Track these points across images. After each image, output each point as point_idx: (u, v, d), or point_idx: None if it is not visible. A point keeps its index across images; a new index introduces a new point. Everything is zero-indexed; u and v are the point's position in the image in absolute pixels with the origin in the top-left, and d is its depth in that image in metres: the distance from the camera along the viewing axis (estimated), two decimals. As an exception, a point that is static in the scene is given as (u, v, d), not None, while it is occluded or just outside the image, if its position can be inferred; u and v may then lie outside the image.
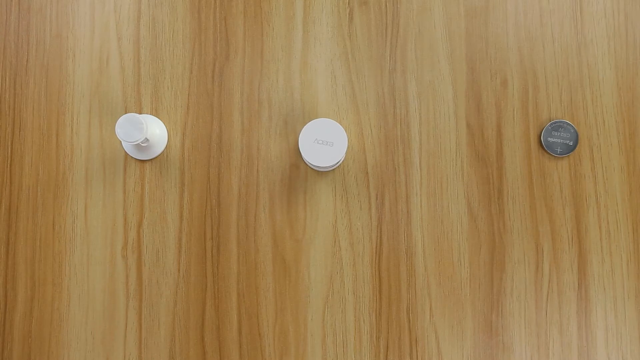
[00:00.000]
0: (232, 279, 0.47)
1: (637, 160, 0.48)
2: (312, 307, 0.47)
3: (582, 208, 0.48)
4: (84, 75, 0.49)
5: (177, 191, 0.47)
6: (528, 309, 0.47)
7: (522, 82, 0.49)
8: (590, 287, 0.47)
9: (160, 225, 0.47)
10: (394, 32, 0.49)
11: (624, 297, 0.47)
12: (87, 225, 0.47)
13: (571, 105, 0.49)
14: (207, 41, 0.49)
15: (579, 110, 0.49)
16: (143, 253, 0.47)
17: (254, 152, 0.47)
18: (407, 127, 0.48)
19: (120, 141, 0.48)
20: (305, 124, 0.48)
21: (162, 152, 0.48)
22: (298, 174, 0.46)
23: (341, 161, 0.47)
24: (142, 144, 0.46)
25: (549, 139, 0.48)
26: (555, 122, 0.48)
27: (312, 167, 0.44)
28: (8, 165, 0.48)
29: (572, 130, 0.48)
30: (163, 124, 0.48)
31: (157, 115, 0.48)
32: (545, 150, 0.48)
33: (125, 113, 0.46)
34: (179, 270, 0.47)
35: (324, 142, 0.43)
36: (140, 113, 0.48)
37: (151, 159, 0.48)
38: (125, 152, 0.48)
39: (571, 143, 0.48)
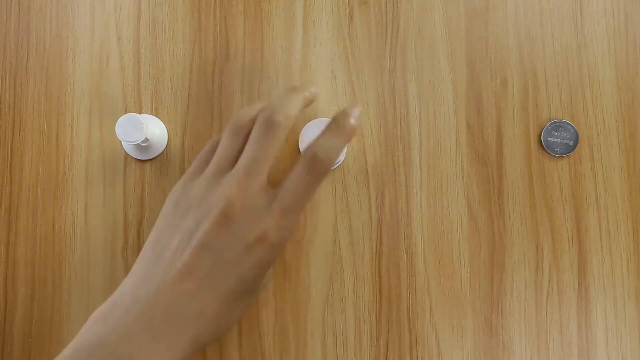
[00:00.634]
0: (232, 279, 0.47)
1: (637, 160, 0.48)
2: (312, 307, 0.47)
3: (582, 208, 0.48)
4: (84, 75, 0.49)
5: (177, 191, 0.47)
6: (528, 309, 0.47)
7: (522, 82, 0.49)
8: (590, 287, 0.47)
9: (160, 225, 0.47)
10: (394, 32, 0.49)
11: (624, 297, 0.47)
12: (87, 225, 0.47)
13: (571, 105, 0.49)
14: (207, 41, 0.49)
15: (579, 110, 0.49)
16: (143, 253, 0.47)
17: (254, 152, 0.47)
18: (407, 127, 0.48)
19: (120, 141, 0.48)
20: (305, 123, 0.48)
21: (162, 152, 0.48)
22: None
23: (341, 161, 0.47)
24: (142, 144, 0.46)
25: (549, 138, 0.48)
26: (555, 122, 0.48)
27: None
28: (8, 165, 0.48)
29: (572, 130, 0.48)
30: (163, 124, 0.48)
31: (157, 115, 0.48)
32: (545, 150, 0.48)
33: (125, 113, 0.46)
34: (179, 270, 0.47)
35: None
36: (140, 113, 0.48)
37: (151, 159, 0.48)
38: (125, 152, 0.48)
39: (571, 143, 0.48)
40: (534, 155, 0.48)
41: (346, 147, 0.42)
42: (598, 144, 0.48)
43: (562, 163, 0.48)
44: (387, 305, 0.47)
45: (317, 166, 0.37)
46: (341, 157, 0.44)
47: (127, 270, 0.47)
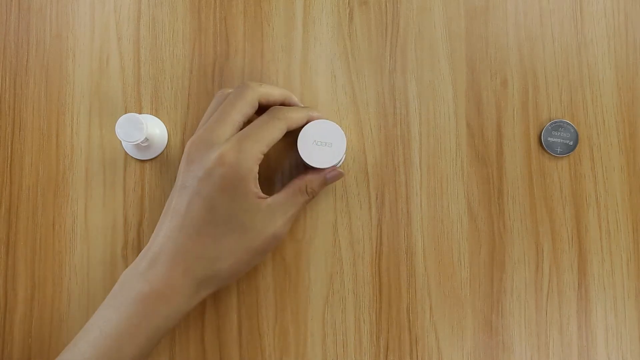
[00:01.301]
0: (232, 279, 0.47)
1: (637, 160, 0.48)
2: (312, 307, 0.47)
3: (582, 208, 0.48)
4: (84, 75, 0.49)
5: (177, 191, 0.47)
6: (528, 309, 0.47)
7: (522, 82, 0.49)
8: (590, 287, 0.47)
9: (160, 225, 0.47)
10: (394, 32, 0.49)
11: (624, 297, 0.47)
12: (87, 225, 0.47)
13: (571, 105, 0.49)
14: (207, 41, 0.49)
15: (579, 110, 0.49)
16: (143, 253, 0.47)
17: (254, 152, 0.47)
18: (407, 127, 0.48)
19: (120, 141, 0.48)
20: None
21: (162, 152, 0.48)
22: (298, 174, 0.46)
23: (341, 162, 0.47)
24: (142, 144, 0.46)
25: (549, 138, 0.48)
26: (555, 122, 0.48)
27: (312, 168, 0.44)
28: (8, 165, 0.48)
29: (572, 130, 0.48)
30: (163, 124, 0.48)
31: (157, 115, 0.48)
32: (545, 150, 0.48)
33: (125, 113, 0.46)
34: (179, 270, 0.47)
35: (323, 144, 0.43)
36: (140, 113, 0.48)
37: (151, 159, 0.48)
38: (125, 152, 0.48)
39: (571, 143, 0.48)
40: (534, 155, 0.48)
41: (345, 149, 0.42)
42: (598, 144, 0.48)
43: (562, 163, 0.48)
44: (387, 305, 0.47)
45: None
46: (342, 158, 0.44)
47: (127, 270, 0.47)
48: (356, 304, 0.47)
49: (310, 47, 0.49)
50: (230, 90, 0.44)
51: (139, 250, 0.47)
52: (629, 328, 0.47)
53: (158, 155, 0.48)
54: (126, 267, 0.47)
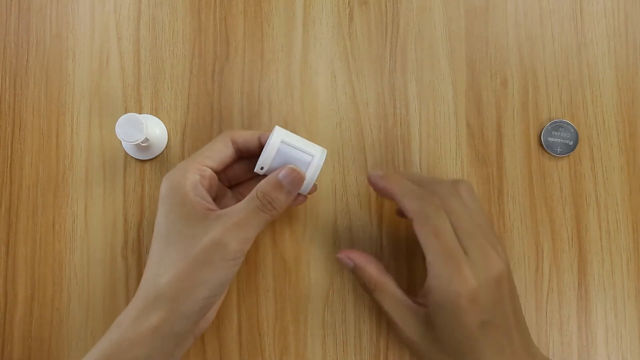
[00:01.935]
0: (232, 279, 0.47)
1: (637, 160, 0.48)
2: (312, 307, 0.47)
3: (582, 208, 0.48)
4: (84, 75, 0.49)
5: (177, 191, 0.47)
6: (528, 309, 0.47)
7: (522, 82, 0.49)
8: (590, 287, 0.47)
9: (160, 225, 0.47)
10: (394, 32, 0.49)
11: (624, 297, 0.47)
12: (87, 225, 0.47)
13: (571, 105, 0.49)
14: (207, 41, 0.49)
15: (579, 110, 0.49)
16: (143, 253, 0.47)
17: (254, 152, 0.47)
18: (407, 127, 0.48)
19: (120, 141, 0.48)
20: (305, 124, 0.48)
21: (162, 152, 0.48)
22: (298, 174, 0.45)
23: (308, 190, 0.43)
24: (142, 144, 0.46)
25: (549, 138, 0.48)
26: (555, 122, 0.48)
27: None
28: (8, 165, 0.48)
29: (572, 130, 0.48)
30: (163, 124, 0.48)
31: (157, 115, 0.48)
32: (545, 150, 0.48)
33: (125, 113, 0.46)
34: (179, 270, 0.47)
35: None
36: (140, 113, 0.48)
37: (151, 159, 0.48)
38: (125, 152, 0.48)
39: (571, 143, 0.48)
40: (534, 155, 0.48)
41: (317, 174, 0.41)
42: (598, 144, 0.48)
43: (562, 163, 0.48)
44: (387, 305, 0.47)
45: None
46: (309, 186, 0.41)
47: (127, 270, 0.47)
48: (356, 304, 0.47)
49: (310, 47, 0.49)
50: None
51: (139, 250, 0.47)
52: (629, 328, 0.47)
53: (158, 155, 0.48)
54: (126, 266, 0.47)
